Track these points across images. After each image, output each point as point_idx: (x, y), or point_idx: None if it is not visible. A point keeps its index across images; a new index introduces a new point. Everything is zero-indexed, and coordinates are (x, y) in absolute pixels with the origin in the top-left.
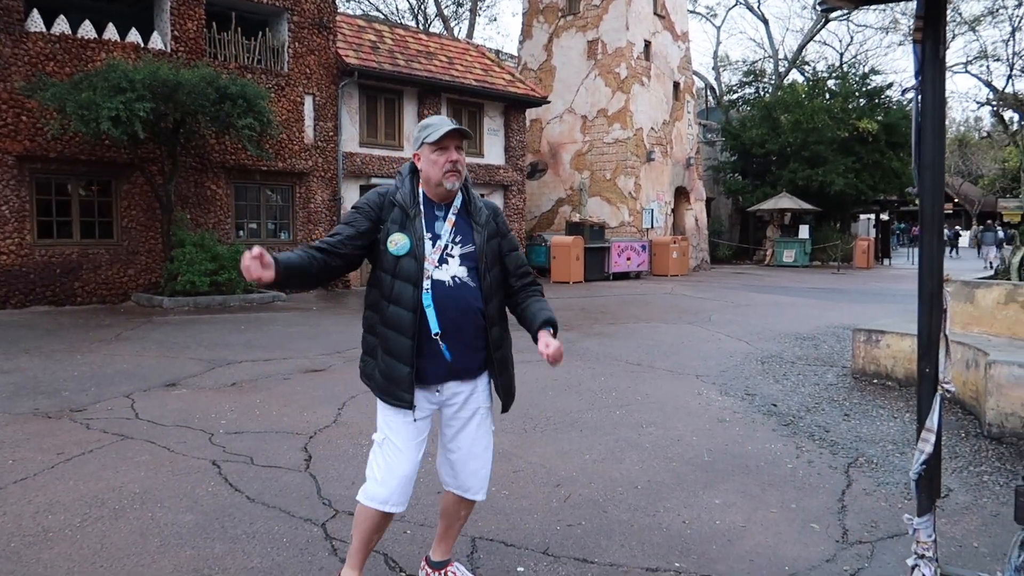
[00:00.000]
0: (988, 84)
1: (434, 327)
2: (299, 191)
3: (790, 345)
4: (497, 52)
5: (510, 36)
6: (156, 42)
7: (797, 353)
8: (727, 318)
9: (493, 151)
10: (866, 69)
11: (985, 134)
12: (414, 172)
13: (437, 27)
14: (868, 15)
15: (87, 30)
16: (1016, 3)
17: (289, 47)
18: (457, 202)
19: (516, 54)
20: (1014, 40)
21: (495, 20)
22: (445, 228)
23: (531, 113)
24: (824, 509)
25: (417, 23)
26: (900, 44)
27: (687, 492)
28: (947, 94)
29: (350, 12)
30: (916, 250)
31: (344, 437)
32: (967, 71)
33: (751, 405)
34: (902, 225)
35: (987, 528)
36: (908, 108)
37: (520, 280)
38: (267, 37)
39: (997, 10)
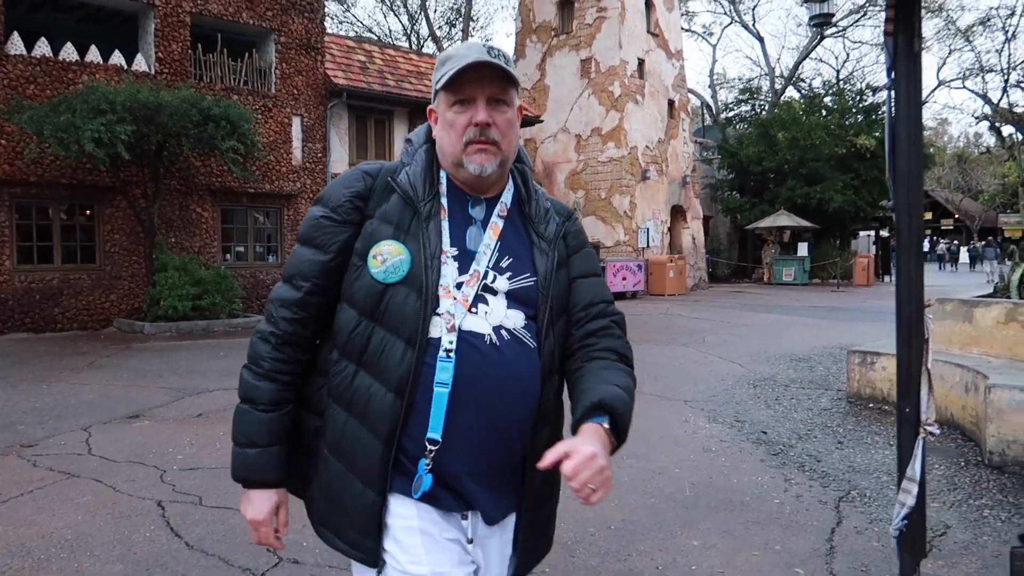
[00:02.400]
0: (984, 98)
1: (433, 427)
2: (287, 213)
3: (784, 367)
4: None
5: None
6: (140, 64)
7: (791, 376)
8: (722, 339)
9: None
10: (862, 85)
11: (984, 149)
12: (432, 140)
13: (430, 48)
14: (864, 31)
15: (69, 52)
16: (1008, 12)
17: (276, 68)
18: (506, 197)
19: None
20: (1009, 49)
21: (489, 40)
22: (485, 240)
23: (525, 132)
24: (811, 551)
25: (410, 44)
26: None
27: (664, 532)
28: (945, 108)
29: (341, 33)
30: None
31: None
32: (964, 86)
33: (740, 433)
34: None
35: (988, 571)
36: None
37: (595, 321)
38: (254, 58)
39: (990, 19)
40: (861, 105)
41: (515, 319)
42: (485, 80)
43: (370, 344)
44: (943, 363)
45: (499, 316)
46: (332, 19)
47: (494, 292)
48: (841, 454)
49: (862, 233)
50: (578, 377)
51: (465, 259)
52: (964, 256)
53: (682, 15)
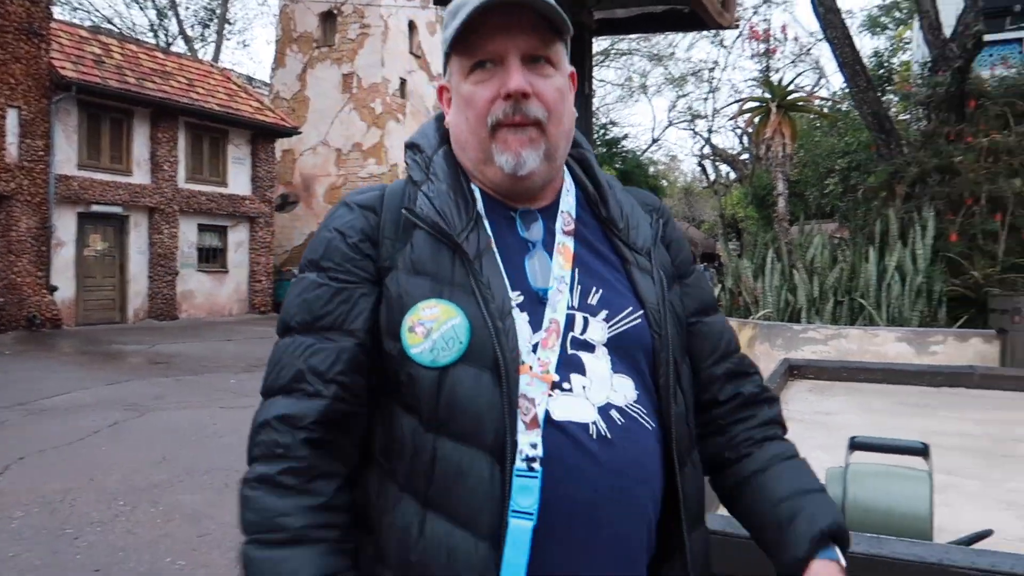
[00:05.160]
0: (706, 140)
1: None
2: None
3: None
4: (249, 79)
5: (263, 63)
6: None
7: None
8: None
9: (239, 180)
10: (605, 120)
11: (706, 184)
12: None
13: (180, 47)
14: (608, 72)
15: None
16: (712, 66)
17: None
18: (566, 203)
19: (269, 82)
20: (713, 99)
21: (247, 45)
22: (555, 271)
23: (283, 143)
24: None
25: (157, 41)
26: (636, 101)
27: None
28: (675, 146)
29: (75, 21)
30: None
31: None
32: (691, 128)
33: None
34: None
35: None
36: (643, 157)
37: (737, 382)
38: None
39: (699, 71)
40: (604, 138)
41: (625, 389)
42: (517, 29)
43: (436, 466)
44: None
45: (604, 388)
46: (63, 5)
47: (590, 348)
48: None
49: None
50: (754, 480)
51: (534, 306)
52: None
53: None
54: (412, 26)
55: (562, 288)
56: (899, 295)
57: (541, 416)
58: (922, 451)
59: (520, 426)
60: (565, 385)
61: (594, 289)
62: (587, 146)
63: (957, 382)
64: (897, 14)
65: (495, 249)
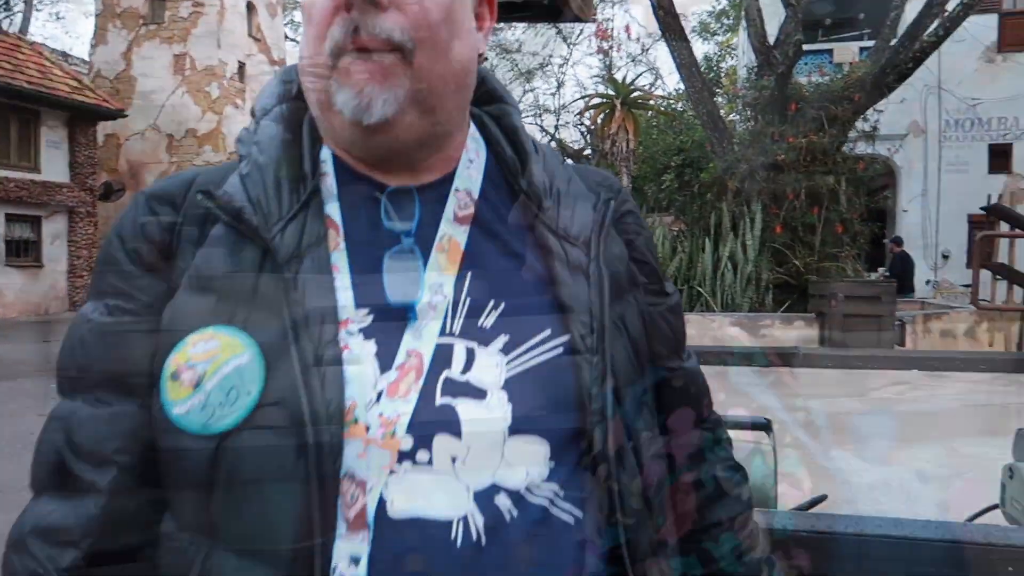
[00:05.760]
0: (552, 135)
1: None
2: None
3: None
4: (64, 54)
5: (81, 38)
6: None
7: None
8: None
9: (54, 166)
10: None
11: None
12: (299, 97)
13: None
14: None
15: None
16: (562, 60)
17: None
18: (466, 176)
19: (88, 59)
20: (559, 94)
21: (61, 18)
22: (429, 278)
23: (106, 127)
24: None
25: None
26: None
27: None
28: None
29: None
30: None
31: None
32: (537, 123)
33: None
34: None
35: None
36: None
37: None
38: None
39: (546, 65)
40: None
41: (528, 461)
42: None
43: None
44: None
45: (490, 459)
46: None
47: (476, 394)
48: None
49: None
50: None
51: (391, 332)
52: None
53: (286, 24)
54: (251, 7)
55: (436, 303)
56: (732, 283)
57: (372, 509)
58: (765, 426)
59: (341, 526)
60: (421, 455)
61: (491, 304)
62: (511, 100)
63: (784, 363)
64: (726, 20)
65: (339, 245)
